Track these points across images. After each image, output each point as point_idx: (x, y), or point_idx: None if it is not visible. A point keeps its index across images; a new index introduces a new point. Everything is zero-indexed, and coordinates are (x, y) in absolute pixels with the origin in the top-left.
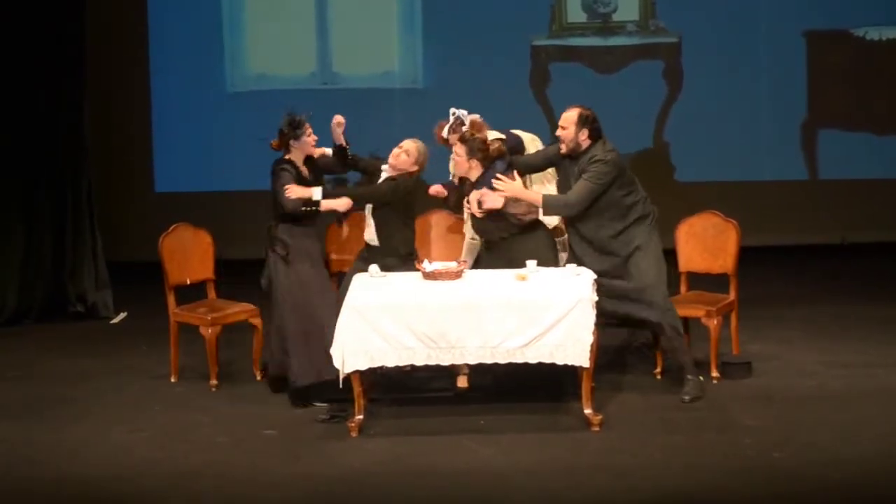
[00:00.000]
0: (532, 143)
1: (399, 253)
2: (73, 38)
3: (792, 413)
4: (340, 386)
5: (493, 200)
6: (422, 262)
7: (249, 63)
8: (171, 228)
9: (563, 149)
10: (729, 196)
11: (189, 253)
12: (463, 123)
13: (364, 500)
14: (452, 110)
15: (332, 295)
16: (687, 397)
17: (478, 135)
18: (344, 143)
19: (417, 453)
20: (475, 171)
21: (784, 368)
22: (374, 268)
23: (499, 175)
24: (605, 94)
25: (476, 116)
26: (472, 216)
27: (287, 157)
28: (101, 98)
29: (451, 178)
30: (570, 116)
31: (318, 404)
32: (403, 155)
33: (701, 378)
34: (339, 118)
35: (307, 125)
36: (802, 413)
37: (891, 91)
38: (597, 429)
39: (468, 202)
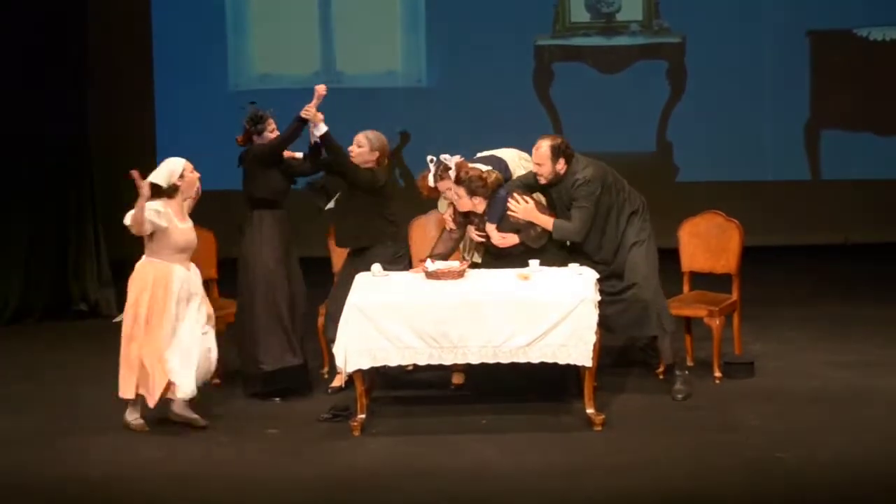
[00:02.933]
0: (519, 160)
1: (360, 236)
2: (76, 37)
3: (794, 413)
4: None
5: (511, 240)
6: (423, 261)
7: (253, 62)
8: None
9: (544, 181)
10: (731, 196)
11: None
12: (448, 168)
13: (367, 499)
14: (430, 157)
15: (299, 284)
16: (679, 395)
17: (471, 172)
18: (314, 114)
19: (420, 453)
20: (481, 206)
21: (786, 369)
22: (376, 266)
23: (515, 195)
24: (608, 93)
25: (458, 157)
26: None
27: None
28: (105, 97)
29: (448, 229)
30: (543, 154)
31: (277, 400)
32: (356, 148)
33: (687, 372)
34: (320, 88)
35: (269, 120)
36: (805, 413)
37: (894, 91)
38: (599, 429)
39: (478, 234)
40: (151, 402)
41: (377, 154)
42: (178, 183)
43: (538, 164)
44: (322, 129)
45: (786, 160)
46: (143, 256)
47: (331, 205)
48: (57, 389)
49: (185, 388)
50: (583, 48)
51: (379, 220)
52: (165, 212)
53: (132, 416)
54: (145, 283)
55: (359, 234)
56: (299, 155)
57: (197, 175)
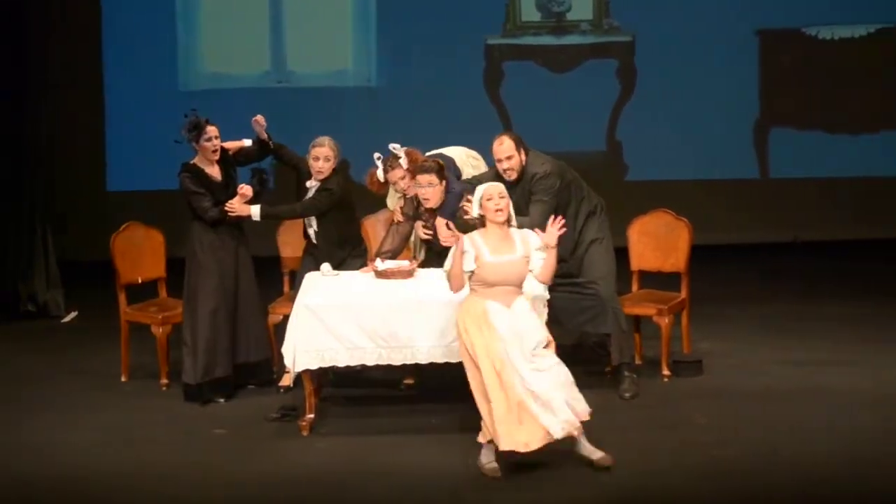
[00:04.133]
0: (466, 158)
1: (343, 246)
2: (23, 36)
3: (742, 411)
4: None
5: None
6: (374, 260)
7: (203, 62)
8: (122, 227)
9: (515, 175)
10: (681, 195)
11: (141, 252)
12: (398, 157)
13: (316, 499)
14: (377, 155)
15: (249, 284)
16: (627, 394)
17: (428, 160)
18: (266, 138)
19: (369, 452)
20: (434, 196)
21: (735, 367)
22: (325, 266)
23: (469, 197)
24: (558, 92)
25: (406, 148)
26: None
27: (193, 160)
28: (53, 97)
29: (395, 223)
30: (508, 146)
31: (218, 399)
32: (323, 162)
33: (636, 375)
34: (259, 118)
35: (208, 128)
36: (753, 411)
37: (842, 90)
38: None
39: (425, 231)
40: None
41: (336, 161)
42: None
43: (508, 157)
44: (256, 214)
45: (735, 159)
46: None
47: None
48: (4, 390)
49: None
50: (533, 47)
51: (351, 226)
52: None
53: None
54: None
55: (342, 245)
56: (248, 142)
57: None
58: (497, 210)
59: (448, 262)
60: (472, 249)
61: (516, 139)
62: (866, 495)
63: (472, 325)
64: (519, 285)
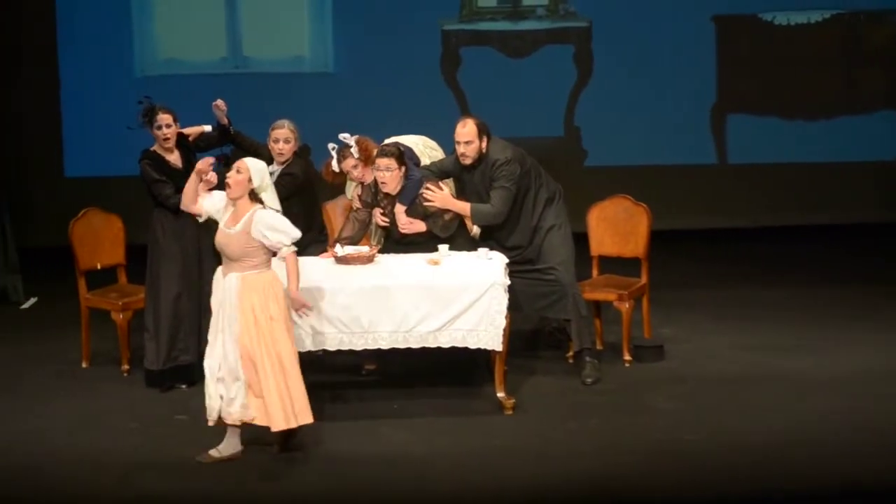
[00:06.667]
0: (424, 147)
1: (306, 231)
2: None
3: (703, 396)
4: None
5: (418, 227)
6: (333, 246)
7: (159, 47)
8: (81, 213)
9: (469, 161)
10: (639, 180)
11: (100, 238)
12: (349, 146)
13: (279, 485)
14: (331, 145)
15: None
16: (589, 380)
17: (389, 145)
18: (226, 123)
19: (332, 438)
20: (391, 181)
21: (695, 352)
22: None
23: (429, 185)
24: (515, 78)
25: (357, 136)
26: (390, 227)
27: (153, 147)
28: (8, 82)
29: (354, 209)
30: (470, 131)
31: (179, 385)
32: (283, 143)
33: (597, 358)
34: (219, 102)
35: (160, 115)
36: (713, 396)
37: (798, 76)
38: (510, 412)
39: (382, 219)
40: None
41: (298, 143)
42: None
43: (467, 143)
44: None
45: (692, 144)
46: None
47: None
48: None
49: None
50: (490, 33)
51: (314, 211)
52: None
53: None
54: None
55: (305, 230)
56: (208, 128)
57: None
58: None
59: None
60: None
61: (480, 125)
62: (825, 477)
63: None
64: (232, 258)
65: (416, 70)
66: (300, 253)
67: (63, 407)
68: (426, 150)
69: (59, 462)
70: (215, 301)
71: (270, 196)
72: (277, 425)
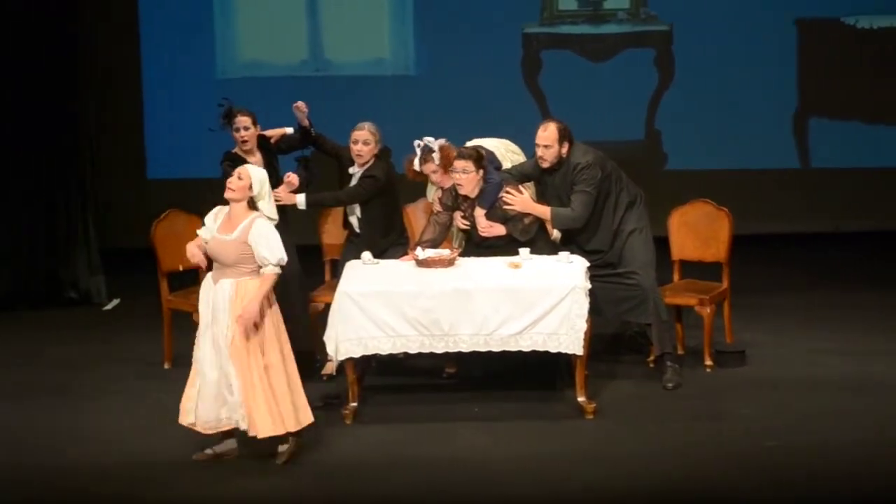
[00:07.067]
0: (505, 151)
1: (387, 234)
2: (67, 26)
3: (785, 402)
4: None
5: (498, 230)
6: (414, 249)
7: (240, 50)
8: (163, 215)
9: (547, 164)
10: (721, 184)
11: (182, 239)
12: (432, 151)
13: (360, 487)
14: (417, 142)
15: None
16: (670, 384)
17: (469, 148)
18: (308, 125)
19: (412, 441)
20: (470, 183)
21: (778, 357)
22: (366, 255)
23: (509, 189)
24: (596, 82)
25: (442, 141)
26: (470, 230)
27: (235, 149)
28: (92, 85)
29: (435, 212)
30: (550, 135)
31: None
32: (362, 145)
33: (678, 365)
34: (300, 104)
35: (239, 118)
36: (795, 402)
37: (881, 79)
38: (591, 417)
39: (463, 222)
40: None
41: (378, 146)
42: None
43: (546, 146)
44: (301, 203)
45: (775, 148)
46: None
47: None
48: (47, 377)
49: None
50: (570, 36)
51: (395, 213)
52: None
53: None
54: None
55: (386, 233)
56: (289, 130)
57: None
58: None
59: None
60: None
61: (561, 129)
62: None
63: None
64: (226, 264)
65: (497, 73)
66: (381, 255)
67: (145, 408)
68: (507, 153)
69: (143, 463)
70: (205, 307)
71: (267, 204)
72: (264, 432)
